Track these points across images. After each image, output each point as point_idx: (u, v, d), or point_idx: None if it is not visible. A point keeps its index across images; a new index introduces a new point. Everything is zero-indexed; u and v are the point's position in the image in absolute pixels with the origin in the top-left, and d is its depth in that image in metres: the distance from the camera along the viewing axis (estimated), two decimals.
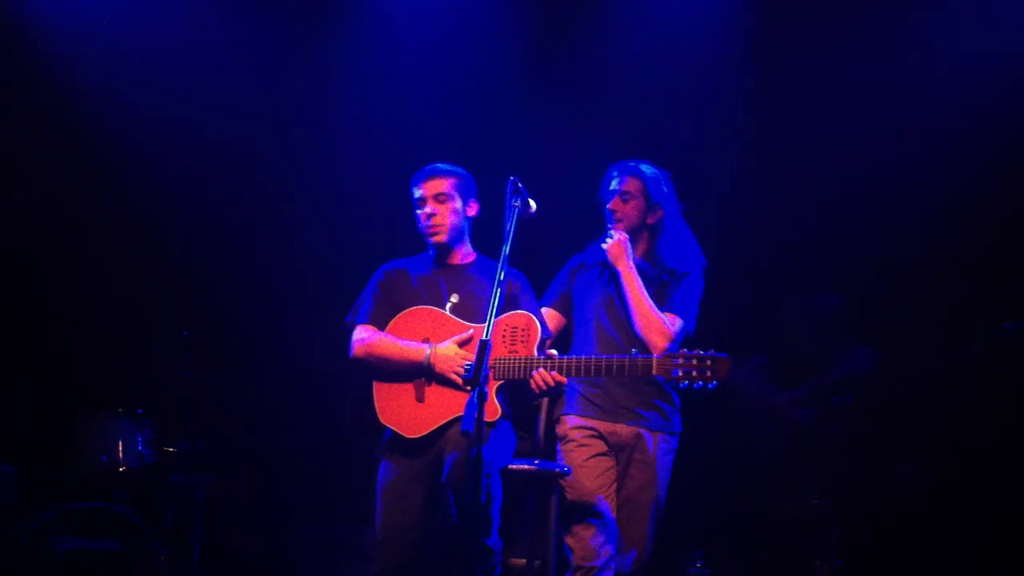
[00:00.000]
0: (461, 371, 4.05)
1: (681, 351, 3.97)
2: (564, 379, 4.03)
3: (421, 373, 4.13)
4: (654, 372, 3.96)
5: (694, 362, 3.91)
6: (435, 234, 4.31)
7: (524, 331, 4.09)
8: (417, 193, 4.34)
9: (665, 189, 4.54)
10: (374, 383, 4.20)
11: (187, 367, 5.52)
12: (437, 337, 4.17)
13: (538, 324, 4.11)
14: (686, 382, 3.91)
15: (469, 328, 4.16)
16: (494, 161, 4.77)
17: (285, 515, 5.95)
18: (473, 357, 3.80)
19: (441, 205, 4.31)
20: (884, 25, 5.76)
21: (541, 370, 4.01)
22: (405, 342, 4.18)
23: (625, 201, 4.50)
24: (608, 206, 4.52)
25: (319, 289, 5.89)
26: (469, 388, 3.61)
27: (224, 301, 6.14)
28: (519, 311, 4.16)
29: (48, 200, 6.02)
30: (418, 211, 4.34)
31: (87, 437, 5.30)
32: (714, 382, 3.90)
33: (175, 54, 6.04)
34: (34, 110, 6.00)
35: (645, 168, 4.54)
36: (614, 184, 4.53)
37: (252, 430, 6.07)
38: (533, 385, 4.02)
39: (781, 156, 5.91)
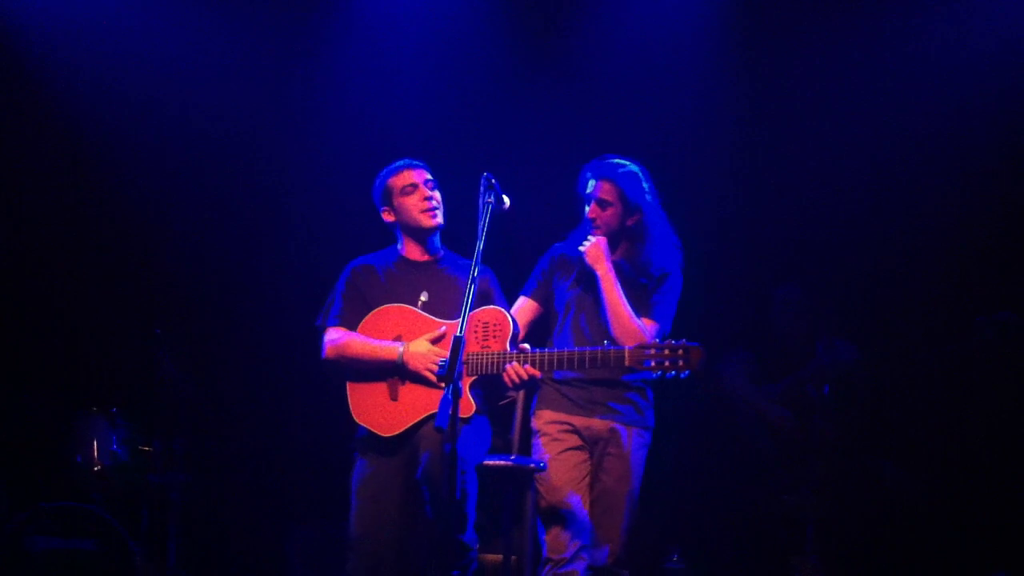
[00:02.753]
0: (435, 368, 4.05)
1: (653, 341, 4.00)
2: (538, 372, 4.05)
3: (395, 371, 4.12)
4: (626, 363, 3.98)
5: (666, 352, 3.94)
6: (435, 216, 4.33)
7: (496, 326, 4.09)
8: (412, 178, 4.34)
9: (645, 186, 4.47)
10: (348, 383, 4.20)
11: (162, 365, 5.49)
12: (410, 335, 4.16)
13: (510, 319, 4.12)
14: (659, 372, 3.94)
15: (441, 325, 4.17)
16: (474, 152, 4.78)
17: (261, 514, 5.94)
18: (446, 354, 3.82)
19: (435, 192, 4.36)
20: (872, 20, 5.78)
21: (514, 364, 4.02)
22: (377, 341, 4.17)
23: (603, 208, 4.44)
24: (587, 214, 4.48)
25: (301, 283, 5.86)
26: (443, 385, 3.61)
27: (203, 297, 6.12)
28: (491, 306, 4.17)
29: (22, 198, 5.98)
30: (407, 198, 4.33)
31: (61, 436, 5.27)
32: (686, 371, 3.93)
33: (162, 55, 6.02)
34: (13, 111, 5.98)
35: (621, 169, 4.46)
36: (590, 187, 4.47)
37: (230, 428, 6.05)
38: (507, 379, 4.04)
39: (767, 152, 5.92)
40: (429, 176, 4.39)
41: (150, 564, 5.28)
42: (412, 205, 4.34)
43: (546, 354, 4.05)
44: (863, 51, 5.79)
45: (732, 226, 5.90)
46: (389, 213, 4.40)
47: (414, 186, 4.35)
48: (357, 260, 4.41)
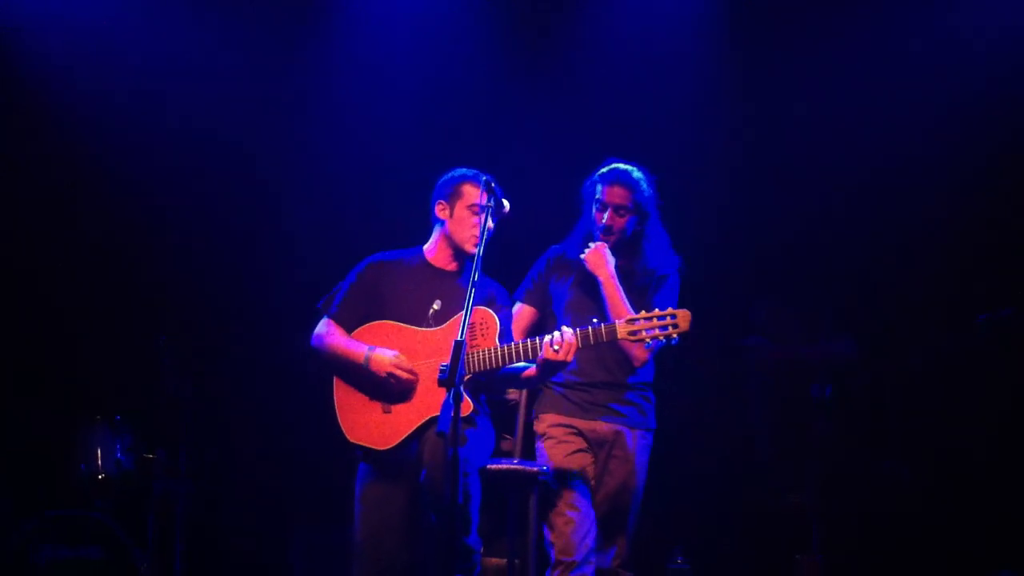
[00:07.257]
0: (394, 369, 4.06)
1: (640, 312, 4.02)
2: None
3: (359, 372, 4.13)
4: (619, 336, 4.00)
5: (655, 320, 3.97)
6: (477, 245, 4.26)
7: (482, 325, 4.12)
8: (482, 200, 4.20)
9: (650, 194, 4.49)
10: (336, 402, 4.21)
11: (166, 372, 5.49)
12: (410, 350, 4.15)
13: (495, 316, 4.13)
14: (651, 341, 3.98)
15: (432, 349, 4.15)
16: (471, 153, 4.76)
17: (266, 521, 5.93)
18: (411, 361, 3.94)
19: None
20: (868, 22, 5.80)
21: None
22: (349, 343, 4.19)
23: (620, 215, 4.44)
24: (603, 221, 4.44)
25: (303, 289, 5.84)
26: (446, 388, 3.61)
27: (206, 304, 6.11)
28: (475, 307, 4.11)
29: (22, 205, 5.99)
30: (471, 215, 4.27)
31: (65, 445, 5.28)
32: (676, 337, 3.97)
33: (157, 57, 6.02)
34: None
35: (637, 176, 4.47)
36: (601, 193, 4.45)
37: (233, 435, 6.05)
38: (549, 352, 3.97)
39: (763, 150, 5.93)
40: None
41: (156, 572, 5.29)
42: (470, 225, 4.29)
43: (539, 341, 4.02)
44: (860, 49, 5.80)
45: (730, 226, 5.90)
46: (445, 211, 4.34)
47: (478, 208, 4.28)
48: (377, 256, 4.39)
